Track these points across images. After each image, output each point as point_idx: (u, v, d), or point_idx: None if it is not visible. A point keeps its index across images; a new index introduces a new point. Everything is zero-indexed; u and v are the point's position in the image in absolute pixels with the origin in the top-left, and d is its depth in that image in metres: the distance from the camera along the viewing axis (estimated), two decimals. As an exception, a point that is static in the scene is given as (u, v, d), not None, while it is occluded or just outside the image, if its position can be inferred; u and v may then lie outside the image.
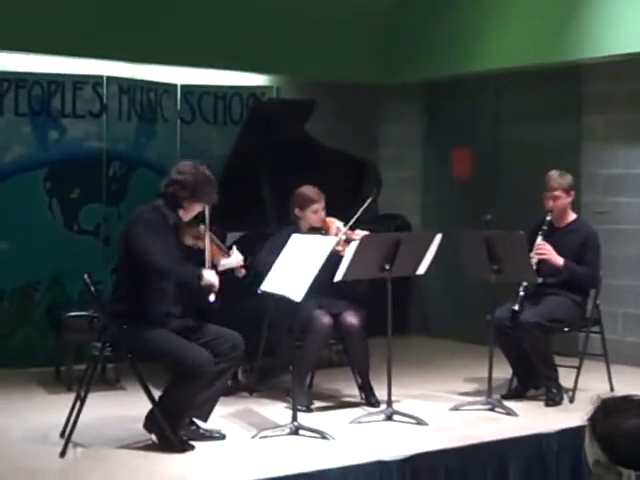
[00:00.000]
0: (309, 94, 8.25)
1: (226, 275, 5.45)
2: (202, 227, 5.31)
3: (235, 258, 5.45)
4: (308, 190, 6.38)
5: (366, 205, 6.24)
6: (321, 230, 6.31)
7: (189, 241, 5.30)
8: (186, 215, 5.31)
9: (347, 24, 8.72)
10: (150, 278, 5.18)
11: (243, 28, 8.09)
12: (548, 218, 6.45)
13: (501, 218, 8.31)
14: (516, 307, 6.24)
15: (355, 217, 6.16)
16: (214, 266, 5.31)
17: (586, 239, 6.48)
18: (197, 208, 5.31)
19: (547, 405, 6.23)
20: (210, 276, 5.18)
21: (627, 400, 2.32)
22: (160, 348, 5.12)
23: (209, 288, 5.17)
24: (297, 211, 6.38)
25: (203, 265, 5.21)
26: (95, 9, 7.44)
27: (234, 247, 5.50)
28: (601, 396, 2.37)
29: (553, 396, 6.25)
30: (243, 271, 5.55)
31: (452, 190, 9.18)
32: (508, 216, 8.14)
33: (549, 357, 6.33)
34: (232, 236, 6.70)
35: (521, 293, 6.29)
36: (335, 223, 6.37)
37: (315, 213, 6.35)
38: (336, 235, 6.15)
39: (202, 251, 5.26)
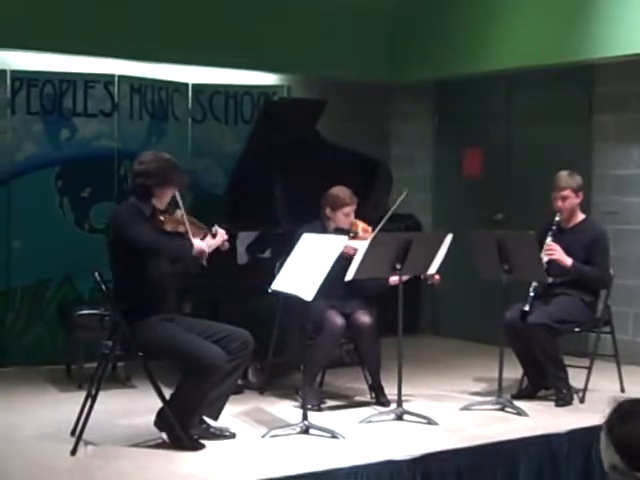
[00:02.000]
0: (320, 93, 8.26)
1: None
2: (178, 212, 5.33)
3: (220, 237, 5.45)
4: (342, 192, 6.38)
5: (396, 206, 6.37)
6: (349, 232, 6.32)
7: (169, 228, 5.31)
8: (160, 203, 5.31)
9: (358, 23, 8.72)
10: (148, 272, 5.20)
11: (254, 27, 8.09)
12: (557, 218, 6.44)
13: (512, 217, 8.34)
14: (526, 307, 6.23)
15: (384, 220, 6.23)
16: None
17: (595, 239, 6.46)
18: (169, 193, 5.33)
19: (557, 405, 6.21)
20: (198, 244, 5.26)
21: None
22: (172, 345, 5.13)
23: (200, 255, 5.26)
24: (328, 211, 6.39)
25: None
26: (107, 8, 7.45)
27: (216, 226, 5.48)
28: (616, 398, 2.34)
29: (563, 396, 6.24)
30: (227, 244, 5.55)
31: (463, 189, 9.17)
32: (519, 215, 8.15)
33: (558, 358, 6.31)
34: (244, 236, 6.70)
35: (531, 294, 6.28)
36: (362, 225, 6.40)
37: (346, 216, 6.37)
38: (365, 238, 6.17)
39: (184, 235, 5.29)
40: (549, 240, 6.36)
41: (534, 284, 6.31)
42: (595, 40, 7.57)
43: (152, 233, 5.19)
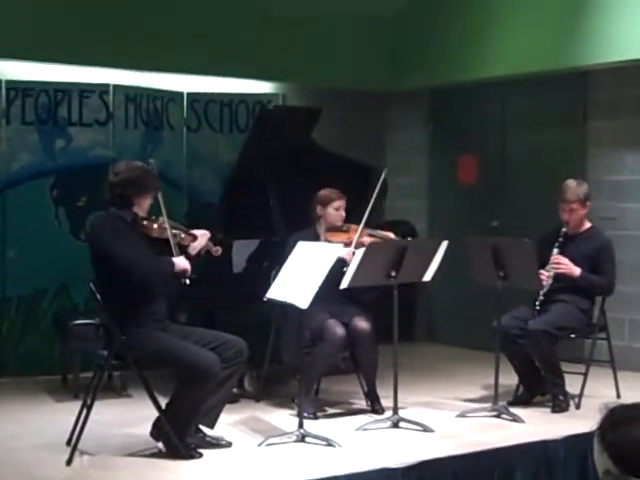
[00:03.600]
0: (315, 101, 8.27)
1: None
2: (161, 219, 5.33)
3: (203, 238, 5.47)
4: (329, 190, 6.46)
5: (372, 202, 6.32)
6: (342, 227, 6.35)
7: (154, 234, 5.32)
8: (141, 210, 5.33)
9: (353, 31, 8.74)
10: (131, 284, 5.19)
11: (249, 36, 8.11)
12: (564, 229, 6.42)
13: (507, 224, 8.34)
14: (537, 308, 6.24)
15: (366, 215, 6.24)
16: (184, 252, 5.36)
17: (602, 247, 6.46)
18: (148, 201, 5.35)
19: (554, 412, 6.21)
20: (181, 262, 5.24)
21: (636, 409, 2.30)
22: (168, 353, 5.12)
23: (183, 273, 5.24)
24: (319, 209, 6.42)
25: (172, 254, 5.25)
26: (101, 18, 7.47)
27: (197, 231, 5.50)
28: (608, 405, 2.35)
29: (560, 403, 6.25)
30: (219, 249, 5.57)
31: (458, 196, 9.18)
32: (514, 222, 8.16)
33: (556, 365, 6.32)
34: (239, 244, 6.71)
35: (537, 308, 6.28)
36: (353, 226, 6.42)
37: (337, 210, 6.40)
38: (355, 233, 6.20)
39: (168, 244, 5.28)
40: (556, 252, 6.34)
41: (541, 297, 6.30)
42: (590, 46, 7.59)
43: (130, 251, 5.11)
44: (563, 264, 6.32)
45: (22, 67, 7.50)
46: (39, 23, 7.22)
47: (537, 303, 6.30)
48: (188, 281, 5.27)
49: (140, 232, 5.29)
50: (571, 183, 6.47)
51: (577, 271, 6.33)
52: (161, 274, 5.24)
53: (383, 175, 6.44)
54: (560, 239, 6.39)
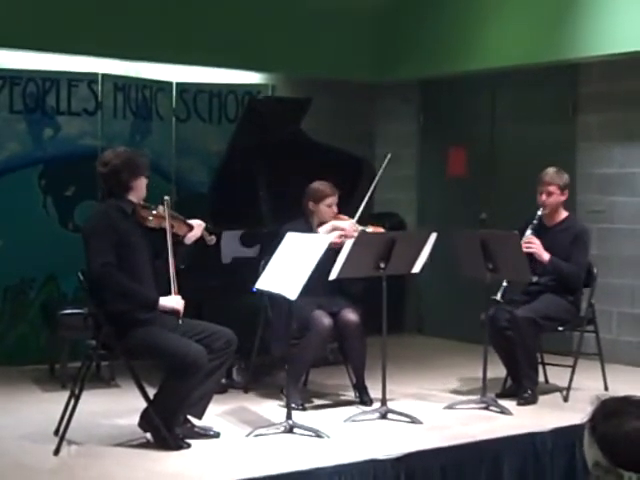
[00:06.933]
0: (305, 92, 8.24)
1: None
2: (160, 207, 5.32)
3: (198, 229, 5.48)
4: (322, 184, 6.43)
5: (367, 198, 6.38)
6: None
7: (152, 223, 5.30)
8: (137, 196, 5.32)
9: (343, 22, 8.72)
10: (123, 270, 5.17)
11: (238, 26, 8.08)
12: (539, 213, 6.43)
13: (496, 216, 8.32)
14: (498, 297, 6.21)
15: (360, 210, 6.24)
16: (180, 243, 5.38)
17: (576, 237, 6.46)
18: (143, 183, 5.35)
19: (518, 404, 6.15)
20: (172, 302, 5.20)
21: (627, 401, 2.30)
22: (156, 345, 5.11)
23: (176, 314, 5.21)
24: (311, 204, 6.40)
25: (167, 253, 5.23)
26: (90, 6, 7.43)
27: (192, 221, 5.50)
28: (600, 397, 2.35)
29: (527, 397, 6.20)
30: (214, 238, 5.58)
31: (448, 188, 9.19)
32: (503, 214, 8.15)
33: (533, 355, 6.33)
34: (228, 234, 6.69)
35: (504, 283, 6.28)
36: (345, 218, 6.41)
37: (329, 207, 6.39)
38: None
39: (165, 234, 5.27)
40: (529, 233, 6.35)
41: (504, 284, 6.29)
42: (579, 39, 7.59)
43: (104, 259, 5.09)
44: (534, 244, 6.32)
45: (10, 55, 7.45)
46: (27, 11, 7.18)
47: (504, 281, 6.28)
48: (181, 321, 5.21)
49: (137, 222, 5.27)
50: (551, 170, 6.50)
51: (546, 256, 6.33)
52: (133, 296, 5.20)
53: (388, 157, 6.47)
54: (535, 222, 6.40)
